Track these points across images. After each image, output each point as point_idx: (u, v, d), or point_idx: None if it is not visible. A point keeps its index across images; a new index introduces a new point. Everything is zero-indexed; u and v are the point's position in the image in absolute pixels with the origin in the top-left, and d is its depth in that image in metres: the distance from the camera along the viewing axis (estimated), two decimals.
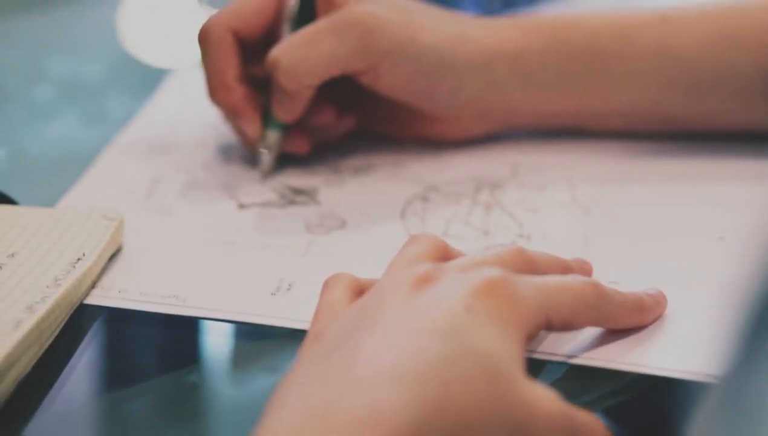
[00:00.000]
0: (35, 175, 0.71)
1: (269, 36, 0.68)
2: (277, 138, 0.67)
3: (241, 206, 0.65)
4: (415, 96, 0.67)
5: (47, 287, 0.55)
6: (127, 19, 0.94)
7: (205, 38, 0.67)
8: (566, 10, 0.87)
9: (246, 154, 0.70)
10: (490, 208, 0.65)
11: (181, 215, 0.64)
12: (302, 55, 0.64)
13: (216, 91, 0.67)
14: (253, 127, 0.67)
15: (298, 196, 0.66)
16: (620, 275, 0.57)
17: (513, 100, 0.68)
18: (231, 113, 0.67)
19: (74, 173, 0.69)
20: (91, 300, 0.57)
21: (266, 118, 0.67)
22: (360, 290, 0.51)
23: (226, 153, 0.71)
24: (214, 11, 0.68)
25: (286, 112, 0.66)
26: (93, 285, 0.58)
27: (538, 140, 0.71)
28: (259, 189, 0.67)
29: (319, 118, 0.69)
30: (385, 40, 0.64)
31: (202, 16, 0.86)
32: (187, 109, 0.76)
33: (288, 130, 0.68)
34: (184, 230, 0.63)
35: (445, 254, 0.52)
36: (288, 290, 0.57)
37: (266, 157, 0.68)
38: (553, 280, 0.49)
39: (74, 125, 0.77)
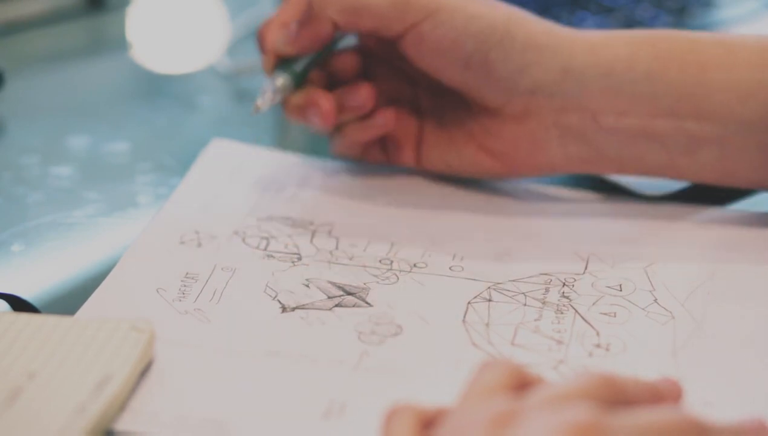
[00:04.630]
0: (54, 273, 0.65)
1: None
2: (282, 83, 0.66)
3: (284, 309, 0.59)
4: (465, 72, 0.62)
5: (71, 415, 0.49)
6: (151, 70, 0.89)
7: None
8: None
9: (287, 246, 0.64)
10: (561, 312, 0.58)
11: (217, 321, 0.58)
12: None
13: (270, 26, 0.66)
14: (266, 59, 0.66)
15: (346, 296, 0.60)
16: (715, 394, 0.52)
17: (591, 102, 0.62)
18: (261, 45, 0.67)
19: (98, 269, 0.63)
20: (120, 425, 0.51)
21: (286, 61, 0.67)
22: (426, 422, 0.46)
23: (264, 243, 0.64)
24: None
25: (288, 36, 0.65)
26: (122, 407, 0.52)
27: (608, 224, 0.66)
28: (304, 290, 0.60)
29: (356, 97, 0.66)
30: None
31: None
32: (222, 192, 0.69)
33: (299, 85, 0.66)
34: (222, 338, 0.57)
35: (522, 381, 0.47)
36: (340, 412, 0.52)
37: (267, 96, 0.66)
38: (651, 422, 0.43)
39: (96, 212, 0.70)
